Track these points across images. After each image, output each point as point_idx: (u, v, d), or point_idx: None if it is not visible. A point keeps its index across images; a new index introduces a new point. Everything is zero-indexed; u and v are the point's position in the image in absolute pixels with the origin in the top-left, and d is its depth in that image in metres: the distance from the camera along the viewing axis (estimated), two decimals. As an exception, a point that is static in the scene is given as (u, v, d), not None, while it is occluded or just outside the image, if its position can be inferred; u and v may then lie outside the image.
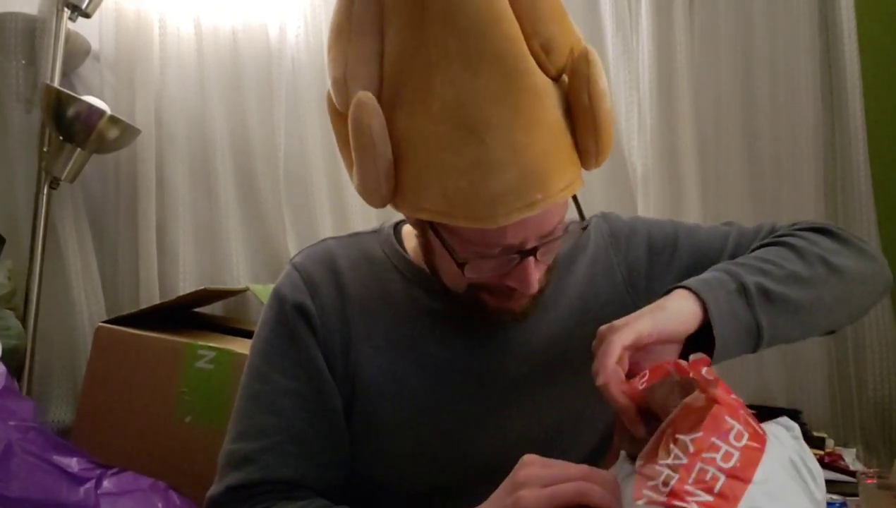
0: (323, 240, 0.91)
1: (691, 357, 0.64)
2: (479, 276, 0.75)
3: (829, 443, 1.64)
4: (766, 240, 0.87)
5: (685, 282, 0.76)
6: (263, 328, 0.85)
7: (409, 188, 0.73)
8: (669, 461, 0.56)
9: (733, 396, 0.59)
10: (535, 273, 0.74)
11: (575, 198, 0.77)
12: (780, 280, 0.78)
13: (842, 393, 1.80)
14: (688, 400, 0.59)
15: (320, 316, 0.82)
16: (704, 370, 0.61)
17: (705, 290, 0.74)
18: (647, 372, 0.66)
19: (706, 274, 0.78)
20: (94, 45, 1.70)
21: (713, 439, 0.56)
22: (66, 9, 1.58)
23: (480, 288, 0.78)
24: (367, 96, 0.70)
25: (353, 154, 0.73)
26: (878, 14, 1.86)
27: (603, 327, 0.72)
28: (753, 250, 0.86)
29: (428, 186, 0.71)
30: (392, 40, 0.72)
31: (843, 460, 1.59)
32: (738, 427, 0.57)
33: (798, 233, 0.87)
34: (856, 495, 1.31)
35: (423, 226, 0.79)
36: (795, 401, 1.78)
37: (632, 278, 0.90)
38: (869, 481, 1.29)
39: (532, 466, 0.64)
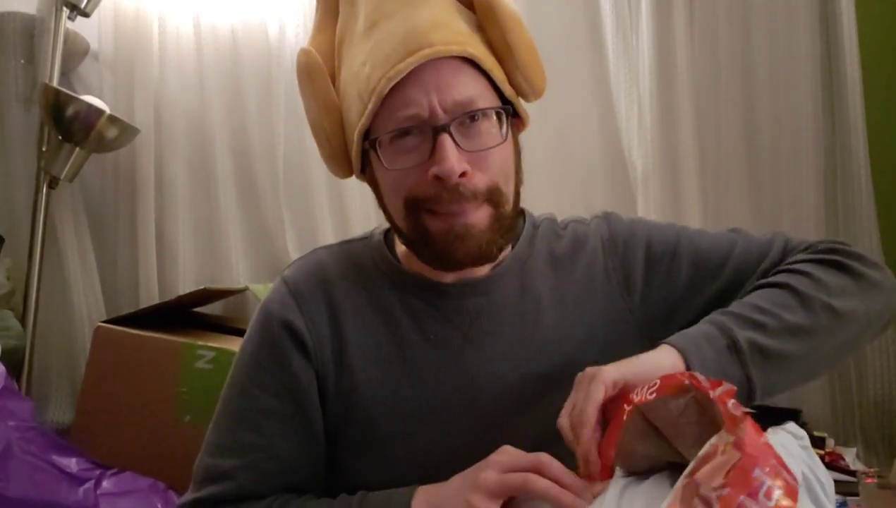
0: (314, 251, 0.91)
1: (722, 387, 0.59)
2: (407, 175, 0.76)
3: (830, 443, 1.64)
4: (770, 279, 0.82)
5: (671, 339, 0.74)
6: (248, 342, 0.84)
7: (346, 118, 0.81)
8: None
9: (763, 439, 0.55)
10: (455, 155, 0.73)
11: (504, 97, 0.80)
12: (777, 333, 0.75)
13: (842, 393, 1.80)
14: (712, 442, 0.55)
15: (310, 331, 0.82)
16: (731, 403, 0.56)
17: (691, 348, 0.72)
18: (658, 381, 0.63)
19: (695, 329, 0.76)
20: (93, 45, 1.70)
21: (741, 498, 0.51)
22: (64, 8, 1.58)
23: (420, 208, 0.77)
24: (308, 47, 0.83)
25: (303, 102, 0.83)
26: (879, 14, 1.85)
27: (579, 375, 0.72)
28: (758, 286, 0.82)
29: (350, 101, 0.79)
30: (340, 18, 0.85)
31: (844, 459, 1.59)
32: (768, 482, 0.52)
33: (805, 269, 0.81)
34: (856, 494, 1.31)
35: (368, 165, 0.82)
36: (795, 401, 1.78)
37: (627, 284, 0.87)
38: (869, 480, 1.29)
39: (502, 454, 0.70)
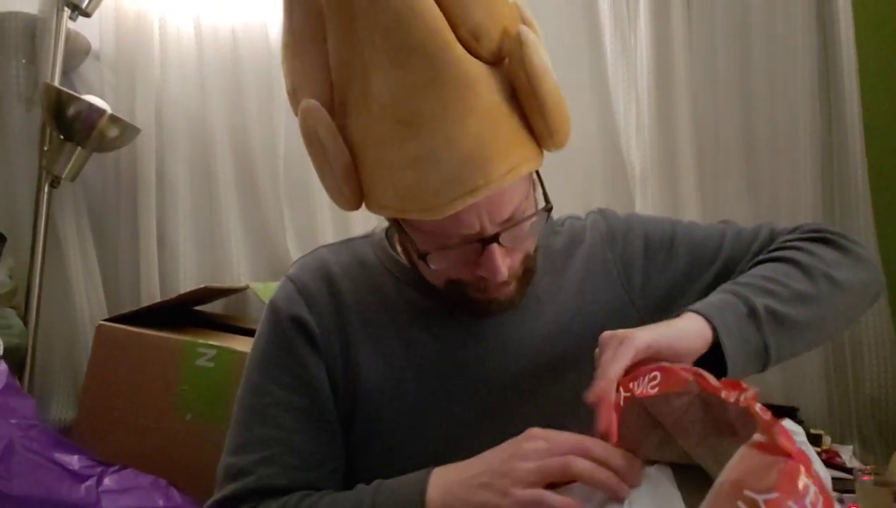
0: (316, 250, 0.92)
1: (747, 391, 0.58)
2: (447, 268, 0.76)
3: (826, 440, 1.65)
4: (769, 254, 0.86)
5: (694, 306, 0.75)
6: (260, 341, 0.85)
7: (368, 187, 0.75)
8: None
9: (798, 445, 0.54)
10: (502, 259, 0.74)
11: (540, 179, 0.79)
12: (787, 300, 0.78)
13: (839, 391, 1.80)
14: (751, 444, 0.54)
15: (318, 326, 0.83)
16: (758, 406, 0.55)
17: (715, 314, 0.74)
18: (658, 374, 0.63)
19: (714, 297, 0.78)
20: (95, 44, 1.71)
21: (790, 503, 0.50)
22: (66, 8, 1.59)
23: (460, 283, 0.78)
24: (311, 103, 0.74)
25: (314, 165, 0.77)
26: (876, 13, 1.86)
27: (605, 334, 0.71)
28: (758, 262, 0.85)
29: (381, 184, 0.73)
30: (333, 48, 0.75)
31: (840, 457, 1.60)
32: (813, 488, 0.51)
33: (799, 245, 0.85)
34: (852, 492, 1.32)
35: (397, 224, 0.80)
36: (792, 399, 1.79)
37: (627, 275, 0.90)
38: (865, 478, 1.29)
39: (535, 440, 0.67)
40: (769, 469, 0.51)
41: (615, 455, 0.64)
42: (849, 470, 1.50)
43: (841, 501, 1.34)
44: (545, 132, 0.74)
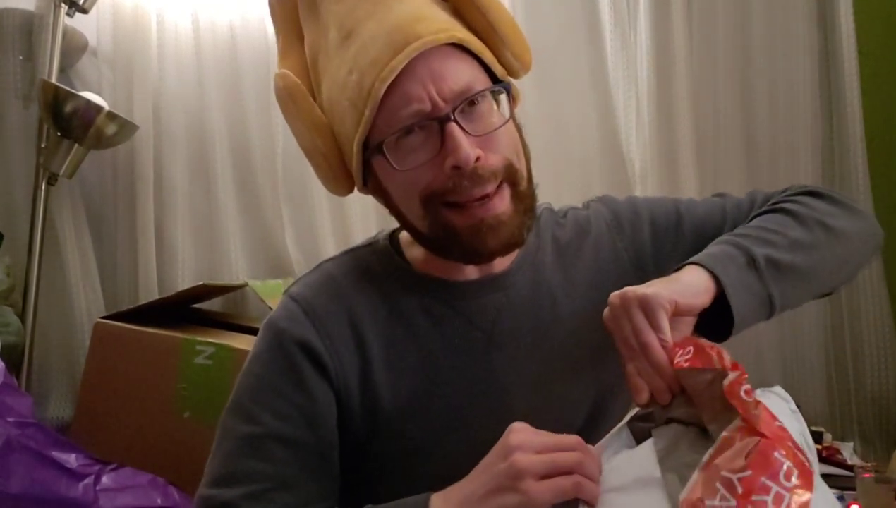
0: (319, 265, 0.87)
1: (734, 374, 0.59)
2: (417, 171, 0.75)
3: (827, 437, 1.65)
4: (763, 209, 0.87)
5: (695, 258, 0.76)
6: (255, 364, 0.79)
7: (338, 132, 0.79)
8: (716, 501, 0.52)
9: (778, 423, 0.55)
10: (466, 141, 0.73)
11: (495, 77, 0.80)
12: (786, 248, 0.78)
13: (839, 388, 1.80)
14: (729, 429, 0.55)
15: (328, 350, 0.78)
16: (743, 390, 0.56)
17: (717, 266, 0.74)
18: (692, 349, 0.64)
19: (713, 248, 0.78)
20: (92, 41, 1.70)
21: (763, 479, 0.52)
22: (63, 4, 1.58)
23: (440, 204, 0.75)
24: (282, 71, 0.81)
25: (291, 127, 0.82)
26: (877, 11, 1.85)
27: (614, 295, 0.71)
28: (754, 217, 0.86)
29: (343, 113, 0.77)
30: (307, 38, 0.84)
31: (841, 454, 1.60)
32: (787, 464, 0.53)
33: (793, 198, 0.87)
34: (853, 489, 1.32)
35: (373, 171, 0.80)
36: (793, 396, 1.74)
37: (639, 261, 0.88)
38: (866, 475, 1.29)
39: (523, 432, 0.66)
40: (743, 449, 0.54)
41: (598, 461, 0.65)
42: (849, 468, 1.50)
43: (841, 498, 1.34)
44: (487, 28, 0.78)
